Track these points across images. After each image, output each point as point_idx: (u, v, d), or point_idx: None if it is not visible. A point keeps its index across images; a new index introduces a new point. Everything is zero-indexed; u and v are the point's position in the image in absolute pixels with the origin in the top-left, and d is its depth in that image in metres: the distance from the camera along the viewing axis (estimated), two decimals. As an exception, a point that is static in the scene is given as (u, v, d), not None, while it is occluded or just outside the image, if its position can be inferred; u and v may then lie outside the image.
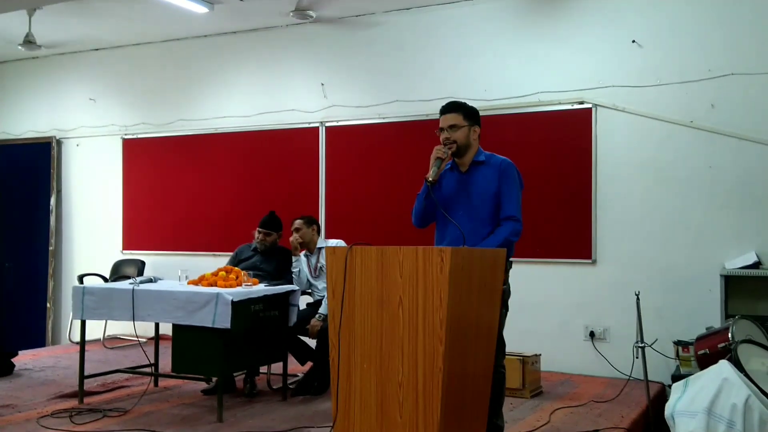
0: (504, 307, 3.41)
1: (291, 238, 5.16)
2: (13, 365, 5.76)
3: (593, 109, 5.71)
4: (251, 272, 5.04)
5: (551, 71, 5.88)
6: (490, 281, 3.16)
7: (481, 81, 6.09)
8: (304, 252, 5.25)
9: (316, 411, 4.55)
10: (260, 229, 5.35)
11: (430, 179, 3.36)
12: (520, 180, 3.49)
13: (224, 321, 4.20)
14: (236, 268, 4.93)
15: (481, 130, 3.53)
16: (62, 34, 7.44)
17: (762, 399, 2.73)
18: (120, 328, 7.13)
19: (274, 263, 5.29)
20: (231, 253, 5.62)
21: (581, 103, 5.75)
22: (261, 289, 4.60)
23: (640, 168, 5.58)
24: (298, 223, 5.30)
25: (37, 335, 8.15)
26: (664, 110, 5.50)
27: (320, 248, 5.21)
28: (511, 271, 3.48)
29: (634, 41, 5.60)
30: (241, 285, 4.59)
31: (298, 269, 5.18)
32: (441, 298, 2.82)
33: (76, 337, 6.59)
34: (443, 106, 3.54)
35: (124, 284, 4.79)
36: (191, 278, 4.85)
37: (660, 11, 5.56)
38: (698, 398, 2.68)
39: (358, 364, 3.02)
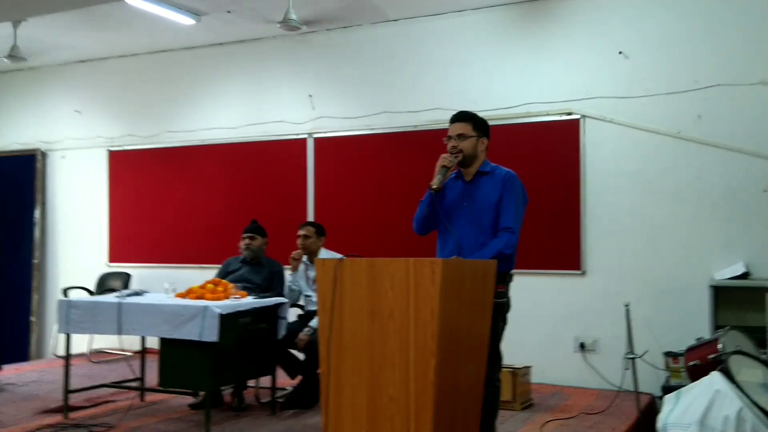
0: (503, 321, 3.39)
1: (294, 253, 5.08)
2: (-3, 380, 5.68)
3: (581, 120, 5.72)
4: (239, 284, 5.00)
5: (539, 82, 5.90)
6: (482, 293, 3.14)
7: (470, 92, 6.09)
8: (305, 259, 5.16)
9: (305, 425, 4.50)
10: (244, 235, 5.31)
11: (434, 187, 3.34)
12: (523, 194, 3.48)
13: (212, 334, 4.15)
14: (224, 280, 4.88)
15: (489, 143, 3.52)
16: (48, 47, 7.38)
17: (754, 411, 2.72)
18: (106, 341, 7.03)
19: (262, 275, 5.25)
20: (219, 266, 5.57)
21: (569, 114, 5.77)
22: (249, 301, 4.56)
23: (628, 179, 5.59)
24: (308, 230, 5.16)
25: (20, 349, 8.03)
26: (652, 121, 5.52)
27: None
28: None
29: (621, 52, 5.62)
30: (229, 297, 4.54)
31: (290, 283, 5.13)
32: (432, 311, 2.80)
33: (61, 351, 6.49)
34: (453, 115, 3.54)
35: (110, 297, 4.73)
36: (178, 291, 4.80)
37: (647, 23, 5.59)
38: (690, 410, 2.66)
39: (348, 377, 2.99)
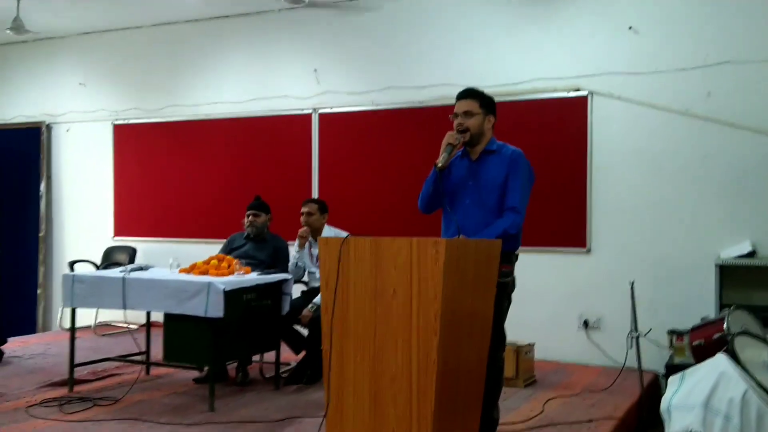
0: (507, 300, 3.38)
1: (301, 231, 5.07)
2: (2, 353, 5.71)
3: (589, 97, 5.66)
4: (244, 261, 5.00)
5: (547, 58, 5.82)
6: (485, 273, 3.12)
7: (476, 68, 6.02)
8: (309, 240, 5.15)
9: (308, 400, 4.52)
10: (249, 212, 5.29)
11: (439, 165, 3.30)
12: (530, 173, 3.44)
13: (216, 310, 4.16)
14: (228, 256, 4.88)
15: (496, 121, 3.48)
16: (52, 18, 7.32)
17: (760, 393, 2.70)
18: (111, 314, 7.07)
19: (266, 251, 5.24)
20: (223, 240, 5.57)
21: (577, 90, 5.70)
22: (253, 278, 4.56)
23: (635, 156, 5.54)
24: (311, 207, 5.15)
25: (27, 322, 8.09)
26: (660, 98, 5.46)
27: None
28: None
29: (630, 28, 5.54)
30: (233, 273, 4.54)
31: (296, 260, 5.12)
32: (435, 290, 2.79)
33: (67, 324, 6.53)
34: (460, 92, 3.48)
35: (114, 272, 4.73)
36: (182, 266, 4.80)
37: (657, -2, 5.50)
38: (695, 392, 2.64)
39: (351, 356, 2.99)
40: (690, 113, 5.37)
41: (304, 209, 5.16)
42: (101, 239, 7.68)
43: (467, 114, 3.39)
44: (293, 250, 5.20)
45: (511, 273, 3.38)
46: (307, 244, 5.18)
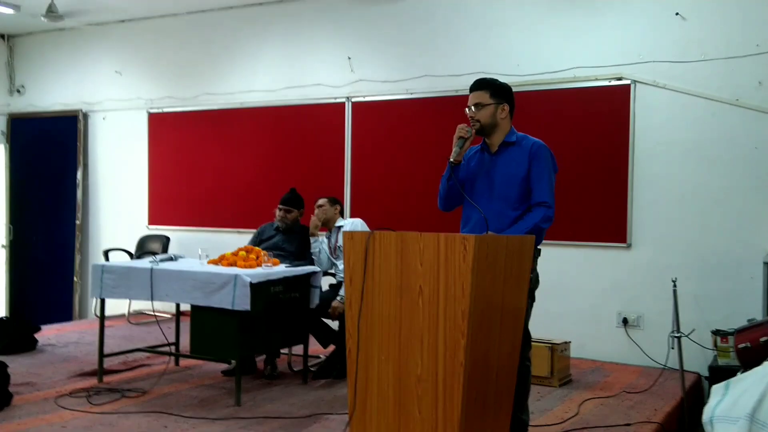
0: (530, 298, 3.23)
1: (312, 218, 5.06)
2: (36, 341, 5.75)
3: (632, 86, 5.43)
4: (273, 252, 4.92)
5: (588, 45, 5.61)
6: (517, 269, 2.98)
7: (514, 55, 5.84)
8: (326, 234, 5.15)
9: (336, 396, 4.43)
10: (281, 206, 5.23)
11: (452, 159, 3.23)
12: (553, 163, 3.31)
13: (243, 303, 4.09)
14: (257, 248, 4.80)
15: (513, 109, 3.34)
16: (88, 6, 7.33)
17: (811, 405, 2.51)
18: (145, 303, 7.05)
19: (296, 243, 5.16)
20: (255, 230, 5.51)
21: (619, 79, 5.48)
22: (281, 270, 4.48)
23: (680, 148, 5.31)
24: (321, 201, 5.23)
25: (64, 309, 8.17)
26: (708, 87, 5.21)
27: (338, 227, 5.09)
28: (541, 254, 3.31)
29: (677, 14, 5.29)
30: (261, 265, 4.47)
31: (318, 250, 5.06)
32: (463, 288, 2.66)
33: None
34: (472, 84, 3.37)
35: (143, 263, 4.70)
36: (212, 257, 4.75)
37: (706, -18, 5.24)
38: (740, 403, 2.47)
39: (375, 355, 2.88)
40: (740, 104, 5.12)
41: (315, 205, 5.21)
42: (136, 228, 7.71)
43: (478, 105, 3.29)
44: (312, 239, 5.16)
45: (534, 270, 3.23)
46: (325, 239, 5.15)
